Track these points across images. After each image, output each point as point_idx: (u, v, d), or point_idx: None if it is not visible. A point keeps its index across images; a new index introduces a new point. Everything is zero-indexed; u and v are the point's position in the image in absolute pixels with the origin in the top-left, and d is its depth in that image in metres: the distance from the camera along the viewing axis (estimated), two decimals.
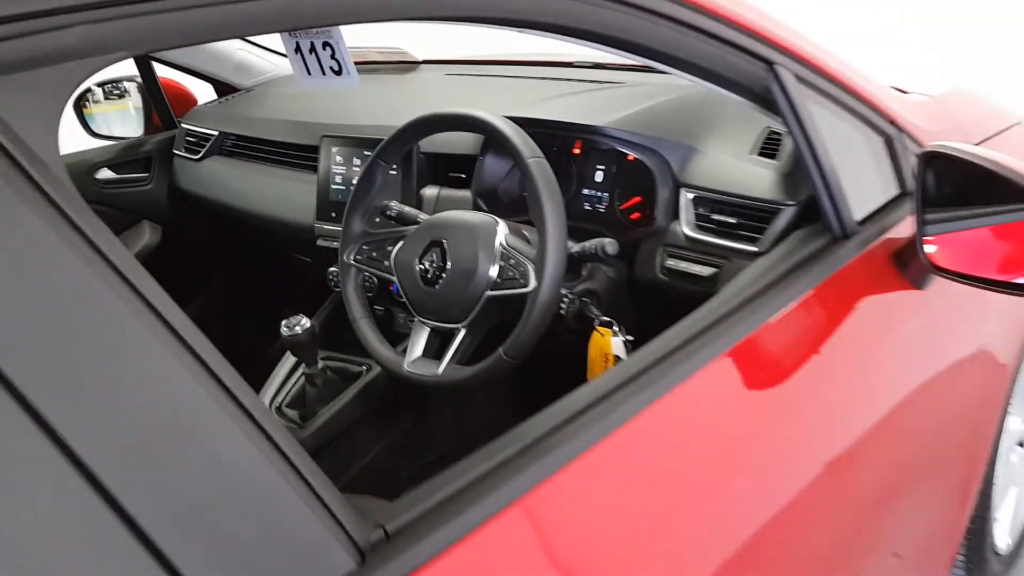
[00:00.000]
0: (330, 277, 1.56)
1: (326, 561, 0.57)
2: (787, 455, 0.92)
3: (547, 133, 1.43)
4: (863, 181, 1.19)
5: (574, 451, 0.74)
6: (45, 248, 0.48)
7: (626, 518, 0.75)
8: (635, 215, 1.39)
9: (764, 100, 1.08)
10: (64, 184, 0.51)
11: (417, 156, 1.58)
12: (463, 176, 1.55)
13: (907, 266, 1.15)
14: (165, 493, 0.50)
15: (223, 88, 2.19)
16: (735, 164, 1.30)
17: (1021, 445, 1.82)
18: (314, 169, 1.74)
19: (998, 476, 1.70)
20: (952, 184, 1.06)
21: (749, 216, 1.24)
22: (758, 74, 1.04)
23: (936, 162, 1.07)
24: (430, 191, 1.59)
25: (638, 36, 0.90)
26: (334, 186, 1.69)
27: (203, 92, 2.26)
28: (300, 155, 1.81)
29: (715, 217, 1.28)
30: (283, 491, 0.55)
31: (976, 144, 1.33)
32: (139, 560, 0.48)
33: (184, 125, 2.09)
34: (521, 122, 1.25)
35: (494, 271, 1.19)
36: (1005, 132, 1.64)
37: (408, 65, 2.14)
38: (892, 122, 1.25)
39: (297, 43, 1.23)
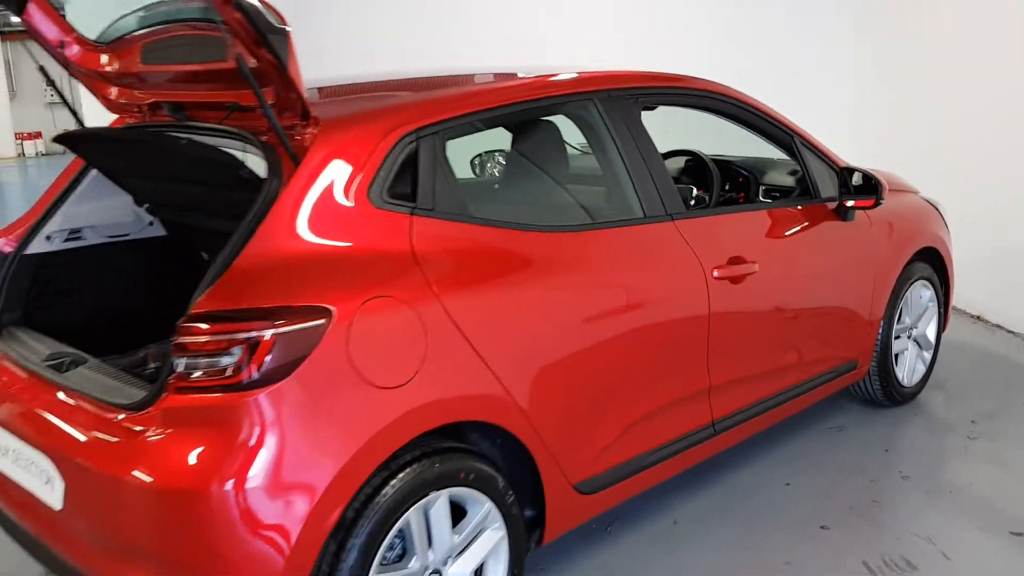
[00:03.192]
0: None
1: None
2: (772, 264, 3.07)
3: (723, 167, 3.66)
4: (826, 184, 3.38)
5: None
6: None
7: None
8: (742, 199, 3.62)
9: (790, 152, 3.32)
10: None
11: None
12: None
13: (836, 210, 3.34)
14: None
15: None
16: (780, 176, 3.54)
17: (909, 337, 3.88)
18: None
19: (895, 344, 3.75)
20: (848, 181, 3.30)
21: (784, 194, 3.47)
22: (786, 139, 3.28)
23: (844, 171, 3.30)
24: None
25: (750, 119, 3.17)
26: None
27: None
28: None
29: (772, 194, 3.51)
30: None
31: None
32: None
33: None
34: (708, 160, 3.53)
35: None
36: (900, 192, 3.82)
37: None
38: (838, 165, 3.46)
39: None
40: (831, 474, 3.32)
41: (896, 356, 3.79)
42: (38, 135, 22.64)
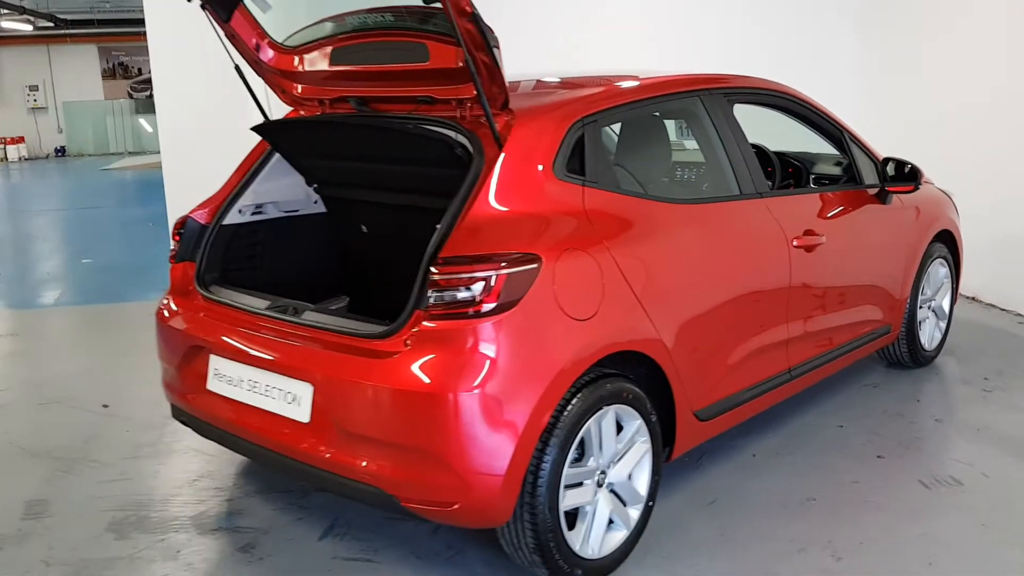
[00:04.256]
0: None
1: None
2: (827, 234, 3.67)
3: (778, 158, 4.23)
4: (869, 172, 3.99)
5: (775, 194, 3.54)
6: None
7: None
8: (791, 186, 4.22)
9: (839, 146, 3.92)
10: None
11: None
12: None
13: (878, 195, 3.95)
14: None
15: None
16: (827, 168, 4.14)
17: (929, 308, 4.50)
18: None
19: (919, 313, 4.37)
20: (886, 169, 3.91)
21: (832, 180, 4.07)
22: (836, 134, 3.89)
23: (885, 161, 3.91)
24: None
25: (802, 112, 3.76)
26: None
27: None
28: None
29: (822, 181, 4.11)
30: None
31: None
32: None
33: None
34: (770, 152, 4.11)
35: None
36: (923, 182, 4.45)
37: None
38: (877, 156, 4.07)
39: None
40: (876, 418, 3.91)
41: (920, 324, 4.41)
42: (21, 140, 22.67)
